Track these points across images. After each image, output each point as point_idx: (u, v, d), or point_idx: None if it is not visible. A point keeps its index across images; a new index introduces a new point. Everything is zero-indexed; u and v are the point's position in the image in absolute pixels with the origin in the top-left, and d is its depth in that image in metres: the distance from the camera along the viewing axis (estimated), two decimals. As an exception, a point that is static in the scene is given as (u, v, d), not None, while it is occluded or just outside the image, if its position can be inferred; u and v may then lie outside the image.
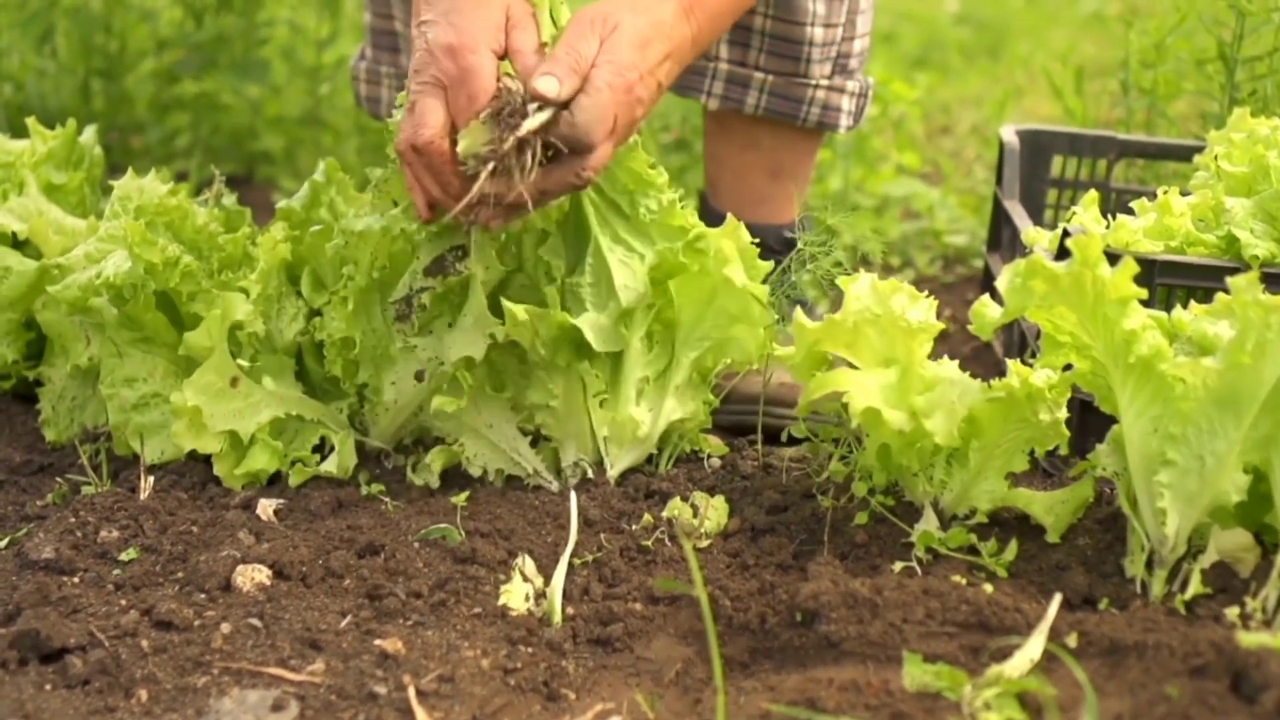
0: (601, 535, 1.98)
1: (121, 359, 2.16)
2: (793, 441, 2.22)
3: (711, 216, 2.18)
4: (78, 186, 2.57)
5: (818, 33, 2.48)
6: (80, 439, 2.28)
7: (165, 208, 2.22)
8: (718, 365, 2.17)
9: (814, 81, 2.52)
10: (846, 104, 2.57)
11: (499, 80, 1.88)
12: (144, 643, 1.69)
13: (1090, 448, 1.89)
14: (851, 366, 1.91)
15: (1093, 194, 2.30)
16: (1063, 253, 2.12)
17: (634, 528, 2.00)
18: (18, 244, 2.41)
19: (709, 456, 2.22)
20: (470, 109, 1.88)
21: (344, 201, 2.35)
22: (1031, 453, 1.90)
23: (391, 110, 2.79)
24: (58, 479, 2.19)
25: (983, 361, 2.74)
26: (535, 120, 1.84)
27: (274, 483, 2.13)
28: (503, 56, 1.92)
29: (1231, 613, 1.68)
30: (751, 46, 2.49)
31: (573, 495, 2.01)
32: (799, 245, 2.25)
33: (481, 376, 2.10)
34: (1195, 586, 1.72)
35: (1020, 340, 2.46)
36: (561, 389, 2.07)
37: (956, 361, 1.93)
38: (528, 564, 1.89)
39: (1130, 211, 2.31)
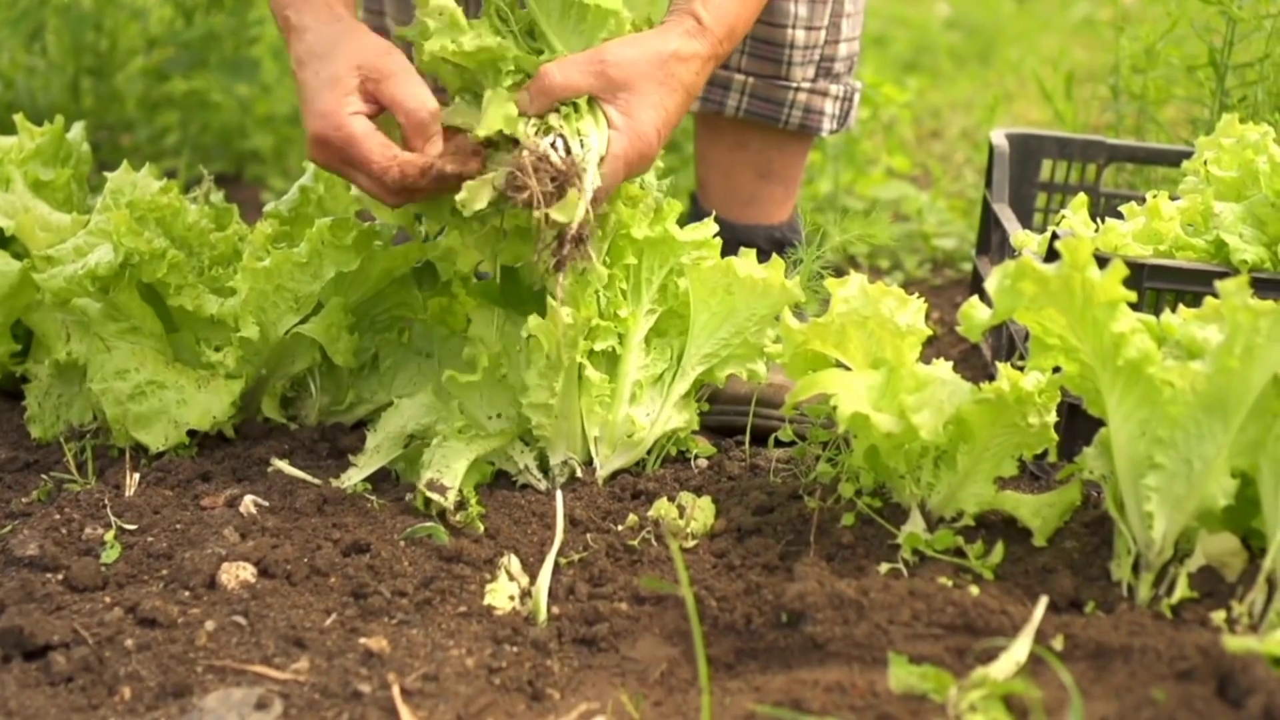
0: (588, 535, 1.97)
1: (110, 352, 2.16)
2: (780, 443, 2.22)
3: (701, 217, 2.18)
4: (65, 183, 2.56)
5: (799, 35, 2.47)
6: (66, 436, 2.27)
7: (157, 204, 2.22)
8: (724, 375, 2.17)
9: (795, 84, 2.52)
10: (830, 107, 2.57)
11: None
12: (128, 640, 1.69)
13: (1078, 450, 1.89)
14: (844, 367, 1.91)
15: (1082, 197, 2.30)
16: (1052, 255, 2.12)
17: (620, 528, 2.00)
18: (2, 242, 2.40)
19: (696, 457, 2.22)
20: (364, 171, 1.97)
21: (332, 201, 2.35)
22: (1019, 455, 1.90)
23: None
24: (43, 476, 2.18)
25: (970, 365, 2.74)
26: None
27: (259, 480, 2.12)
28: (378, 113, 2.01)
29: (1218, 617, 1.67)
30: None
31: (559, 494, 2.00)
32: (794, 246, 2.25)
33: (493, 364, 2.10)
34: (1182, 590, 1.72)
35: (1009, 344, 2.46)
36: (562, 388, 2.06)
37: (951, 364, 1.93)
38: (513, 563, 1.88)
39: (1119, 215, 2.31)
